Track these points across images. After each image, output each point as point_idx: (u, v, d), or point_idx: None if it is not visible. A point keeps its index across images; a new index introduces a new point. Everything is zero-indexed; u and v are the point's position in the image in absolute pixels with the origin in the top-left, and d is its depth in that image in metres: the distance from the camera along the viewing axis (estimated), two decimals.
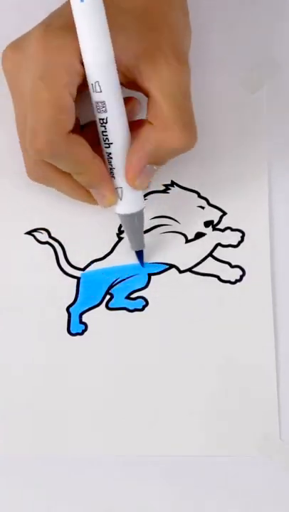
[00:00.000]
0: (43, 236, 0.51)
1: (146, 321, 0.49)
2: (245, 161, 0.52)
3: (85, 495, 0.47)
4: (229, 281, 0.50)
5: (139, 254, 0.50)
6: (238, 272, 0.50)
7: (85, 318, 0.50)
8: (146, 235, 0.51)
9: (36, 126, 0.44)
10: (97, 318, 0.50)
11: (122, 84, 0.45)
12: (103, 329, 0.49)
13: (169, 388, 0.48)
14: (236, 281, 0.50)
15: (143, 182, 0.47)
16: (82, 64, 0.44)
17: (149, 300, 0.50)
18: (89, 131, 0.47)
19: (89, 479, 0.47)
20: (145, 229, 0.51)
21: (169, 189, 0.51)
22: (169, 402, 0.48)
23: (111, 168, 0.47)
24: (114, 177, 0.47)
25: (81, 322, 0.50)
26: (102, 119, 0.45)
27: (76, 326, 0.50)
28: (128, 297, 0.50)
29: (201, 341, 0.49)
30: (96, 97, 0.45)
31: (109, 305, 0.50)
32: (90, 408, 0.48)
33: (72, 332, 0.49)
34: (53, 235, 0.51)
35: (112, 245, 0.51)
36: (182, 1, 0.48)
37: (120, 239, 0.51)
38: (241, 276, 0.50)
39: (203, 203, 0.51)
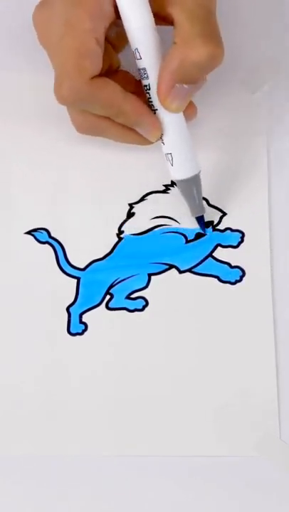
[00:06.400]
0: (43, 236, 0.51)
1: (146, 321, 0.49)
2: (245, 162, 0.52)
3: (85, 495, 0.47)
4: (229, 282, 0.50)
5: (200, 220, 0.50)
6: (238, 273, 0.50)
7: (85, 318, 0.50)
8: (146, 235, 0.51)
9: (60, 72, 0.45)
10: (97, 318, 0.50)
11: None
12: (103, 329, 0.49)
13: (168, 388, 0.48)
14: (236, 281, 0.50)
15: (178, 103, 0.46)
16: (115, 7, 0.44)
17: (149, 300, 0.50)
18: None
19: (88, 479, 0.47)
20: (145, 229, 0.51)
21: (169, 189, 0.51)
22: (168, 402, 0.48)
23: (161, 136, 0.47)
24: (163, 143, 0.47)
25: (81, 322, 0.50)
26: (146, 86, 0.45)
27: (76, 326, 0.50)
28: (128, 297, 0.50)
29: (201, 341, 0.49)
30: (138, 63, 0.45)
31: (109, 305, 0.50)
32: (89, 408, 0.48)
33: (72, 332, 0.49)
34: (53, 234, 0.51)
35: (112, 245, 0.51)
36: None
37: (120, 239, 0.51)
38: (241, 277, 0.50)
39: (203, 203, 0.51)
